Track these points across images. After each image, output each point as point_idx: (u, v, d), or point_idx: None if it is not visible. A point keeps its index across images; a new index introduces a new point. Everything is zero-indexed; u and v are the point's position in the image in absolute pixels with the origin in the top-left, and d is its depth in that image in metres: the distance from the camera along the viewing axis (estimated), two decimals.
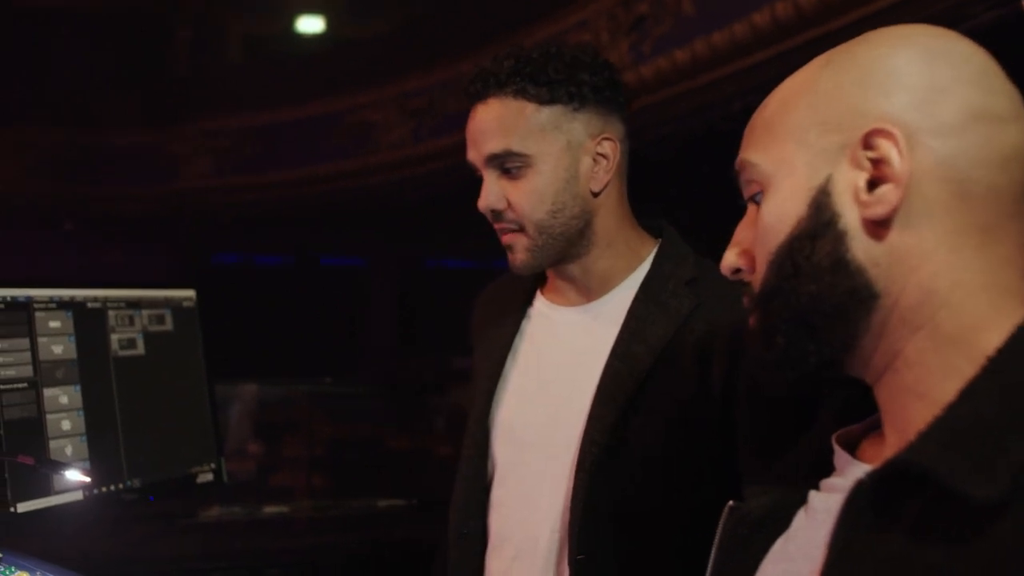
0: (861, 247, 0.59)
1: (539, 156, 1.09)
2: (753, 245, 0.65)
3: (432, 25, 6.17)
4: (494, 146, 1.10)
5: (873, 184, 0.59)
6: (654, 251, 1.17)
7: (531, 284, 1.25)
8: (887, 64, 0.60)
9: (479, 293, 1.36)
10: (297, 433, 3.47)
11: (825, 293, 0.60)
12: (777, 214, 0.63)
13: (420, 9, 6.27)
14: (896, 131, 0.58)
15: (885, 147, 0.58)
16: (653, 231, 1.21)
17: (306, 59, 6.78)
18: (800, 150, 0.62)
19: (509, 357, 1.22)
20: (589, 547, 1.07)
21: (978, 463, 0.51)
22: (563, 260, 1.15)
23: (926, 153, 0.58)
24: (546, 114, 1.09)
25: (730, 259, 0.68)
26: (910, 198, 0.58)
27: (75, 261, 6.91)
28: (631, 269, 1.16)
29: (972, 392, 0.54)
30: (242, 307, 5.04)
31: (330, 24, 6.72)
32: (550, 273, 1.21)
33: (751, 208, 0.67)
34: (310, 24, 6.76)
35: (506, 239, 1.14)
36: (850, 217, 0.60)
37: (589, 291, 1.18)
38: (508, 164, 1.10)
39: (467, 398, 1.29)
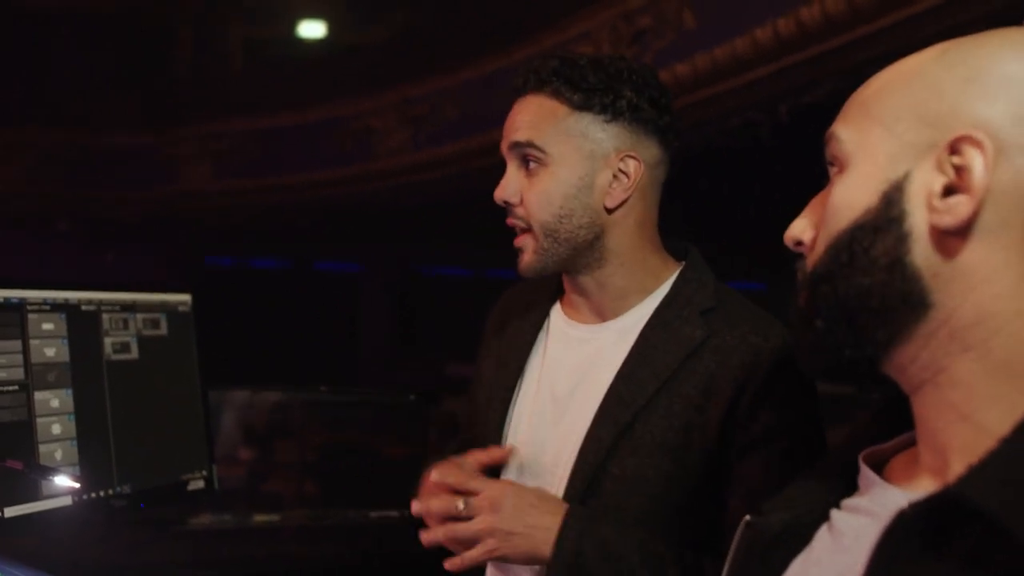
0: (923, 253, 0.57)
1: (557, 158, 1.09)
2: (820, 222, 0.63)
3: (433, 33, 6.18)
4: (519, 136, 1.10)
5: (949, 191, 0.56)
6: (675, 275, 1.15)
7: (551, 294, 1.23)
8: (1002, 69, 0.56)
9: (501, 295, 1.33)
10: (290, 440, 3.44)
11: (875, 290, 0.58)
12: (846, 198, 0.60)
13: (421, 17, 6.29)
14: (987, 141, 0.55)
15: (971, 155, 0.55)
16: (678, 254, 1.18)
17: (307, 64, 6.79)
18: (886, 138, 0.59)
19: (525, 369, 1.20)
20: None
21: None
22: (573, 270, 1.14)
23: (1012, 171, 0.55)
24: (575, 119, 1.09)
25: (794, 231, 0.65)
26: (985, 214, 0.55)
27: (73, 262, 6.90)
28: (648, 291, 1.14)
29: None
30: (237, 310, 5.02)
31: (331, 30, 6.73)
32: (566, 286, 1.19)
33: (830, 184, 0.64)
34: (312, 29, 6.77)
35: (517, 241, 1.13)
36: (918, 219, 0.57)
37: (603, 309, 1.15)
38: (528, 156, 1.10)
39: (477, 398, 1.27)
